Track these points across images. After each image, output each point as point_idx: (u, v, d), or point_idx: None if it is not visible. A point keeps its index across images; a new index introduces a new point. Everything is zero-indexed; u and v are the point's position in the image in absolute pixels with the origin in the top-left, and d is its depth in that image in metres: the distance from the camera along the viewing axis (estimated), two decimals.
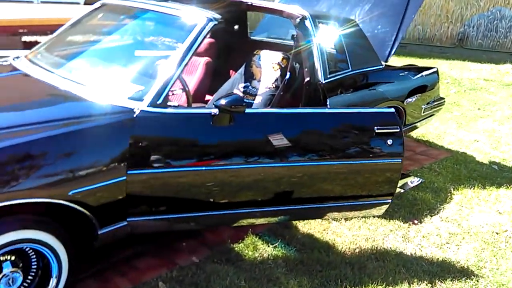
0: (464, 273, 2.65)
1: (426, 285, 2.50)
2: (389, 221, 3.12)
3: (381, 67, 3.60)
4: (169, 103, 2.23)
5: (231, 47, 3.96)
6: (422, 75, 4.13)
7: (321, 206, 2.67)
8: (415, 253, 2.81)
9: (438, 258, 2.77)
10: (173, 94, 2.71)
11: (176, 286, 2.26)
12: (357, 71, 3.36)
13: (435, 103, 4.31)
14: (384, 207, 2.76)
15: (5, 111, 2.16)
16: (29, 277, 1.96)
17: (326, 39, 3.09)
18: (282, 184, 2.46)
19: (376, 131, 2.53)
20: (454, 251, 2.87)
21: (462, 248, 2.91)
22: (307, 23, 2.97)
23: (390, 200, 2.71)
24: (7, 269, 1.85)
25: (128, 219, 2.17)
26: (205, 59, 3.48)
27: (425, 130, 5.13)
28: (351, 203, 2.72)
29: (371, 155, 2.56)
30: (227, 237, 2.72)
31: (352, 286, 2.42)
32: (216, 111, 2.18)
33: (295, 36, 3.12)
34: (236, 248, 2.63)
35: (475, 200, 3.53)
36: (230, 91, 3.35)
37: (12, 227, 1.79)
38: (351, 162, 2.53)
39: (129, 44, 2.83)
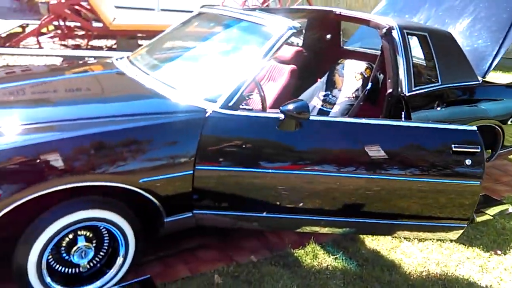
0: None
1: None
2: (467, 247, 2.90)
3: (477, 82, 3.36)
4: (243, 107, 2.35)
5: (322, 55, 3.99)
6: None
7: (391, 223, 2.58)
8: (491, 285, 2.58)
9: None
10: (249, 98, 2.84)
11: (230, 281, 2.36)
12: (448, 85, 3.17)
13: None
14: (459, 232, 2.58)
15: (93, 103, 2.46)
16: (100, 254, 2.20)
17: (414, 50, 2.98)
18: (354, 195, 2.43)
19: (453, 149, 2.38)
20: None
21: None
22: (394, 33, 2.89)
23: (465, 225, 2.53)
24: (81, 243, 2.10)
25: (194, 211, 2.33)
26: (291, 66, 3.55)
27: None
28: (423, 223, 2.59)
29: (445, 175, 2.42)
30: (289, 242, 2.75)
31: None
32: (282, 116, 2.24)
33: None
34: (295, 254, 2.66)
35: None
36: (311, 98, 3.39)
37: (88, 206, 2.03)
38: (423, 179, 2.41)
39: (215, 50, 3.01)
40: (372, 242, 2.88)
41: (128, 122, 2.14)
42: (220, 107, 2.28)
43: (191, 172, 2.21)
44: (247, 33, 2.80)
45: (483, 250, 2.90)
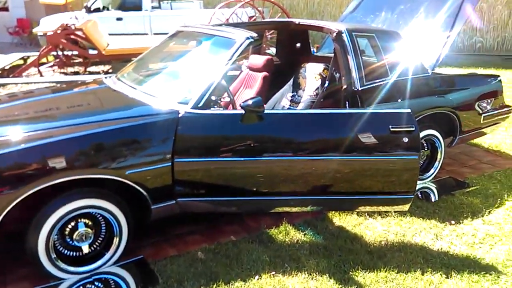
0: (486, 269, 2.73)
1: (441, 275, 2.66)
2: (425, 220, 3.27)
3: (427, 75, 3.76)
4: (215, 108, 2.77)
5: (292, 62, 4.42)
6: (482, 83, 4.17)
7: (347, 198, 2.97)
8: (441, 248, 2.94)
9: (463, 254, 2.88)
10: (221, 101, 3.26)
11: (212, 256, 2.75)
12: (399, 79, 3.57)
13: (498, 111, 4.28)
14: (408, 202, 2.96)
15: (84, 112, 2.95)
16: (99, 239, 2.61)
17: (363, 50, 3.40)
18: (314, 176, 2.83)
19: (391, 129, 2.79)
20: (486, 251, 2.94)
21: (495, 249, 2.96)
22: (344, 36, 3.31)
23: (412, 195, 2.91)
24: (82, 228, 2.51)
25: (177, 199, 2.73)
26: (263, 73, 3.98)
27: (500, 141, 5.02)
28: (377, 197, 2.98)
29: (387, 152, 2.82)
30: (264, 223, 3.14)
31: (365, 269, 2.68)
32: (243, 111, 2.66)
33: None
34: (270, 233, 3.04)
35: None
36: (280, 100, 3.82)
37: (84, 196, 2.44)
38: (368, 157, 2.82)
39: (187, 62, 3.46)
40: (339, 220, 3.26)
41: (112, 125, 2.58)
42: (191, 108, 2.70)
43: (170, 164, 2.62)
44: (214, 45, 3.24)
45: (439, 221, 3.27)
